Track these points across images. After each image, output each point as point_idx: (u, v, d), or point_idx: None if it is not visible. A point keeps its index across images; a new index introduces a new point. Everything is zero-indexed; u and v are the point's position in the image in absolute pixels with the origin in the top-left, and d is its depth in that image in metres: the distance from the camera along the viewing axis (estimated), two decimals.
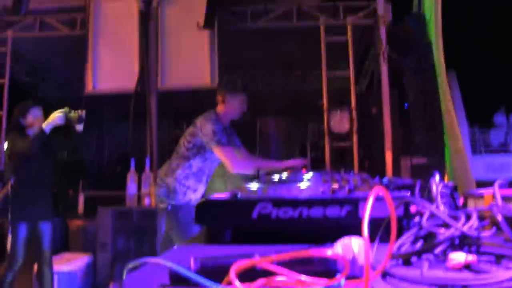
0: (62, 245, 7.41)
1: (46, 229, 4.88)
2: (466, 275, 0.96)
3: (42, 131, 4.58)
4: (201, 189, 4.28)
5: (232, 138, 4.32)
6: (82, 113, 4.71)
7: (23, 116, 4.86)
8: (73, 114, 4.67)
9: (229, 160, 3.99)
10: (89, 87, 7.12)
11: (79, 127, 4.73)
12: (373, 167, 8.48)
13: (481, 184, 1.75)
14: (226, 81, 4.45)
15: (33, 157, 4.73)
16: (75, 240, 7.32)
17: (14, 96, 7.31)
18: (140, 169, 6.35)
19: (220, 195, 1.65)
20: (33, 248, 4.87)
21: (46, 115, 4.73)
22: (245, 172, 4.07)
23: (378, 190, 0.87)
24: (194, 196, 4.18)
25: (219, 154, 4.01)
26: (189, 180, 4.16)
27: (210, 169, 4.26)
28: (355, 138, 6.99)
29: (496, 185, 1.34)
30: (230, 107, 4.21)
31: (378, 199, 0.90)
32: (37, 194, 4.84)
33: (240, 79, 4.47)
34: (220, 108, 4.22)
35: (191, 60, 7.14)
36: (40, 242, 4.86)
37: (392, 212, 0.88)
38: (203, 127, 4.06)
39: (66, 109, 4.69)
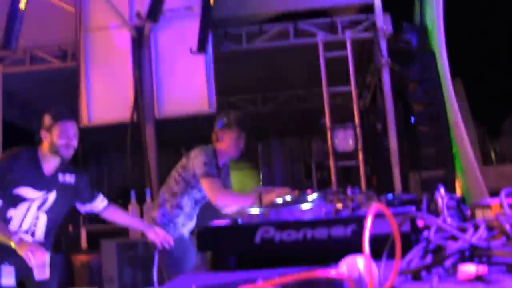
0: (68, 282, 7.22)
1: None
2: (478, 286, 0.95)
3: None
4: (191, 224, 4.08)
5: (225, 177, 4.09)
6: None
7: None
8: None
9: (213, 191, 3.72)
10: (84, 120, 6.92)
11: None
12: (381, 185, 8.26)
13: (495, 193, 1.68)
14: (218, 117, 4.12)
15: None
16: (80, 276, 7.17)
17: (6, 133, 7.15)
18: (141, 200, 6.14)
19: (221, 221, 1.67)
20: None
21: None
22: (227, 206, 3.75)
23: (376, 207, 0.89)
24: (186, 230, 3.98)
25: (204, 185, 3.76)
26: (179, 218, 3.95)
27: (199, 207, 4.05)
28: (360, 156, 6.81)
29: (503, 194, 1.34)
30: (225, 144, 3.93)
31: (383, 215, 0.93)
32: None
33: (234, 112, 4.13)
34: (216, 145, 3.96)
35: (187, 86, 6.99)
36: None
37: (395, 227, 0.91)
38: (195, 158, 3.83)
39: None
